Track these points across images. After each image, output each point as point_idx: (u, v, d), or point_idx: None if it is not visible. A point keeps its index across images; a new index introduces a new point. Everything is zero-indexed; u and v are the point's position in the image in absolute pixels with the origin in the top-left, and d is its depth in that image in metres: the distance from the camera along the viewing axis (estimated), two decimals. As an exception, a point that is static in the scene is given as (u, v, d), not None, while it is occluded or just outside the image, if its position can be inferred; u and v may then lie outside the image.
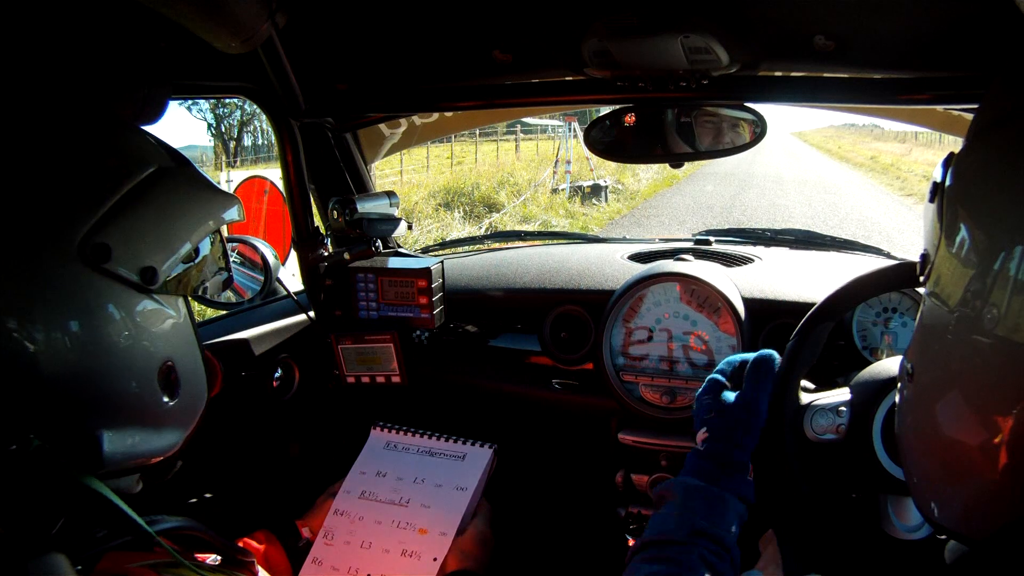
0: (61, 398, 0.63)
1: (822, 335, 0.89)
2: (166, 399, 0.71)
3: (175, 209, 0.73)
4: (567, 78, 1.22)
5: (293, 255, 1.45)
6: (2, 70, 0.79)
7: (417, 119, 1.73)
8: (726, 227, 2.30)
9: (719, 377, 0.93)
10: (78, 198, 0.65)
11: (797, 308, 1.20)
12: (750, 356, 0.94)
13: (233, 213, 0.81)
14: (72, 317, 0.63)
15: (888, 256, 1.60)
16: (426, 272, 1.36)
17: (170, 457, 0.76)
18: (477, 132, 19.15)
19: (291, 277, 1.52)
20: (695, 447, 0.88)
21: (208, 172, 1.03)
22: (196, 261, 0.75)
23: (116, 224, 0.66)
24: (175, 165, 0.75)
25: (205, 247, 0.77)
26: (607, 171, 13.67)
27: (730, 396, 0.90)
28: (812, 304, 0.90)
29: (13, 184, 0.63)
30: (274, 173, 1.57)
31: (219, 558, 0.75)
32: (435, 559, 1.10)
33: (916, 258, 0.60)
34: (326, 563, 1.15)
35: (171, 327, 0.73)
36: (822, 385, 0.95)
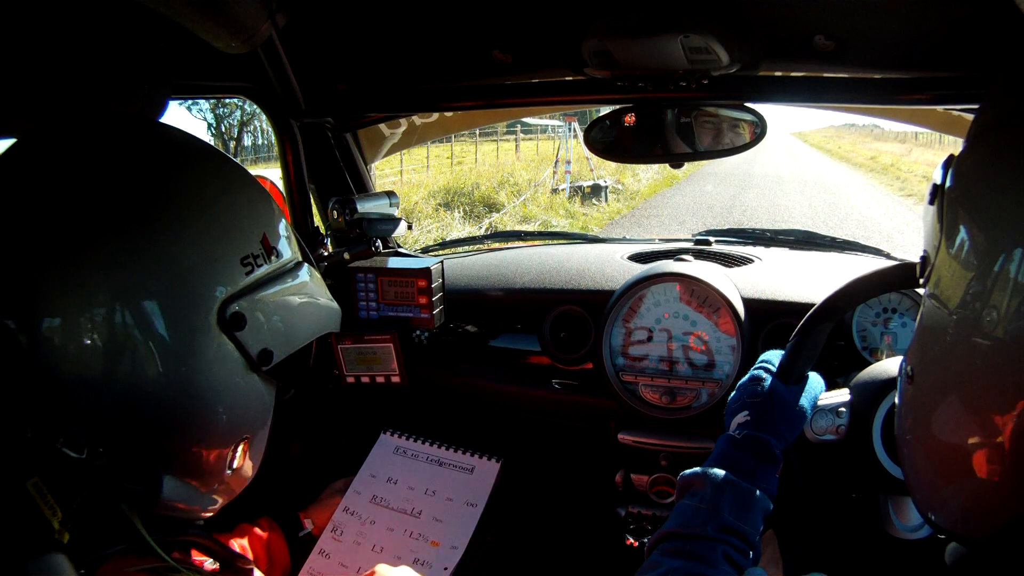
0: (147, 434, 0.65)
1: (822, 336, 0.89)
2: (229, 470, 0.74)
3: (304, 306, 0.77)
4: (567, 78, 1.22)
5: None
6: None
7: (417, 119, 1.72)
8: (726, 227, 2.30)
9: (768, 366, 0.91)
10: (230, 260, 0.67)
11: (797, 308, 1.20)
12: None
13: (337, 325, 0.87)
14: (188, 369, 0.65)
15: (888, 256, 1.60)
16: (426, 272, 1.36)
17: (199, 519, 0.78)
18: (477, 132, 19.13)
19: (291, 277, 1.51)
20: (728, 433, 0.85)
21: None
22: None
23: (254, 298, 0.69)
24: (307, 263, 0.78)
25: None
26: (607, 171, 13.65)
27: (779, 385, 0.87)
28: (812, 304, 0.90)
29: (176, 229, 0.64)
30: (274, 173, 1.56)
31: (217, 564, 0.75)
32: (445, 568, 1.11)
33: (916, 259, 0.60)
34: (334, 558, 1.16)
35: (261, 408, 0.77)
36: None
